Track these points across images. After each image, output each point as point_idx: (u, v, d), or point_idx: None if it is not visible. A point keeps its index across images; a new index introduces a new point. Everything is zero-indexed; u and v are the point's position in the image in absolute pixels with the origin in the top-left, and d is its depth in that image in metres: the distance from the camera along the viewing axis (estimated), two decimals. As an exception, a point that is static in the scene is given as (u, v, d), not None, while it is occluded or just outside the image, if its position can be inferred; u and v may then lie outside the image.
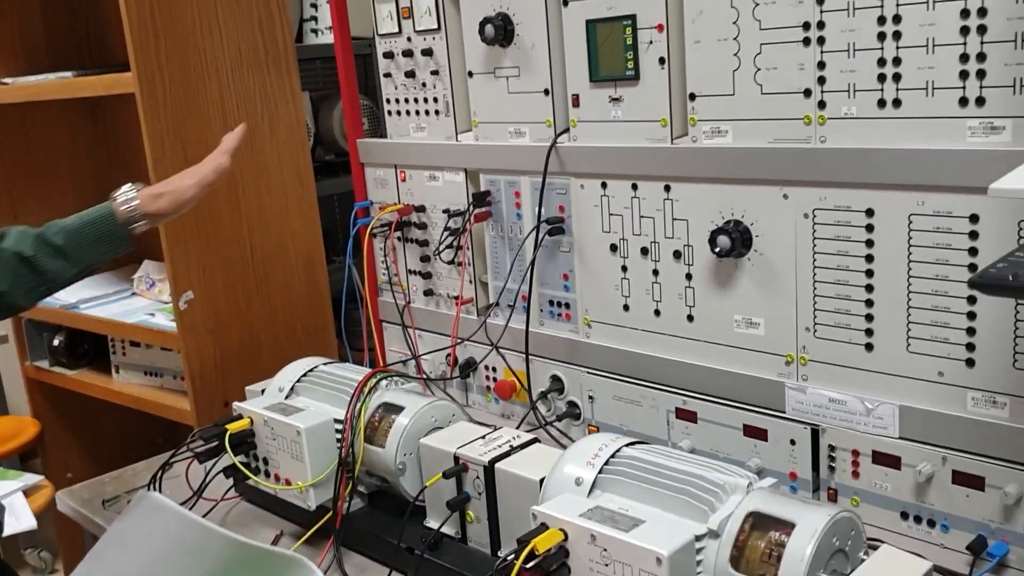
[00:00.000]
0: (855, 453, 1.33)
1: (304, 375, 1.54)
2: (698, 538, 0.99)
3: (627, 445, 1.15)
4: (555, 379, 1.70)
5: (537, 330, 1.70)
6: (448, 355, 1.86)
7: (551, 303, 1.69)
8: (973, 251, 1.18)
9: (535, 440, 1.31)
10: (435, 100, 1.79)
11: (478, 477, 1.25)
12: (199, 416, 1.97)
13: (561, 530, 1.00)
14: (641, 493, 1.06)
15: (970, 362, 1.21)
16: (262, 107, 2.09)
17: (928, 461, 1.25)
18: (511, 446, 1.28)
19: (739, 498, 1.02)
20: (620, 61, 1.46)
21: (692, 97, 1.40)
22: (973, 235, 1.18)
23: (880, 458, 1.30)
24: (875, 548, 1.01)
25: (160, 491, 1.51)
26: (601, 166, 1.55)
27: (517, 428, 1.61)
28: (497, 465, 1.23)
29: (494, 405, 1.83)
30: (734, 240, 1.37)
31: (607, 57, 1.49)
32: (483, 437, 1.31)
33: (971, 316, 1.20)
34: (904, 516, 1.29)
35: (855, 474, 1.33)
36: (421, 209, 1.87)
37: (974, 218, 1.17)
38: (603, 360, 1.62)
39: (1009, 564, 1.20)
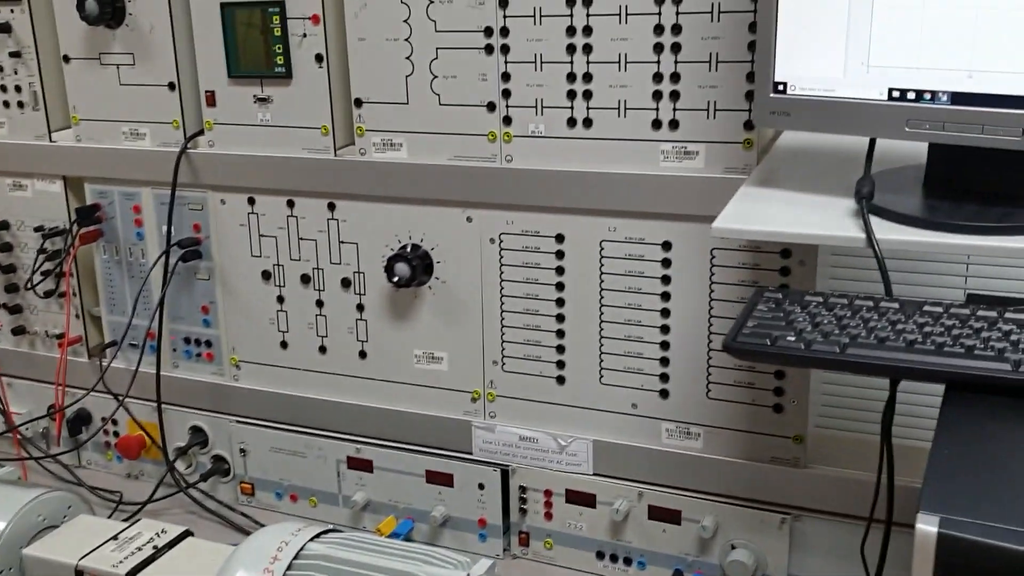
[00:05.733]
0: (548, 493, 1.25)
1: None
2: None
3: (313, 539, 0.95)
4: (196, 431, 1.44)
5: (170, 373, 1.42)
6: (51, 408, 1.50)
7: (187, 341, 1.42)
8: (666, 279, 1.14)
9: (186, 533, 1.05)
10: (17, 89, 1.41)
11: (117, 598, 0.97)
12: None
13: None
14: (344, 607, 0.87)
15: (664, 393, 1.17)
16: None
17: (624, 498, 1.20)
18: (155, 547, 1.02)
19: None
20: (267, 55, 1.23)
21: (358, 103, 1.21)
22: (666, 263, 1.13)
23: (574, 496, 1.24)
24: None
25: None
26: (248, 178, 1.31)
27: (153, 492, 1.39)
28: (143, 580, 0.96)
29: (117, 464, 1.51)
30: (414, 267, 1.21)
31: (249, 49, 1.25)
32: (115, 537, 1.04)
33: (664, 346, 1.16)
34: (600, 556, 1.24)
35: (548, 515, 1.26)
36: (4, 226, 1.49)
37: (667, 245, 1.12)
38: (256, 406, 1.41)
39: (707, 596, 1.19)
